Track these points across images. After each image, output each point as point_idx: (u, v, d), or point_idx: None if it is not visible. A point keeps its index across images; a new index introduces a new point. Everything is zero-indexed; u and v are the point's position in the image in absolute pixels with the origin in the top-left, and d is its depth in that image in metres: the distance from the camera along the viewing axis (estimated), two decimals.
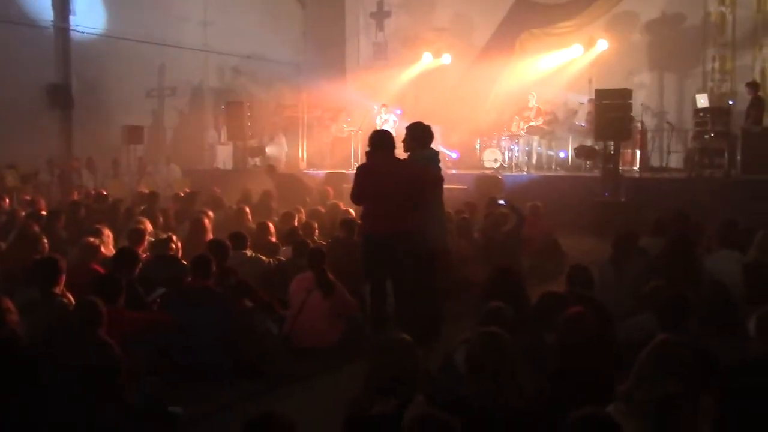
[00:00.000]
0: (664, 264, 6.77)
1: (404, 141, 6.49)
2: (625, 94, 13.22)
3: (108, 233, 7.72)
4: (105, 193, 12.14)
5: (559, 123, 16.44)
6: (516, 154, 16.03)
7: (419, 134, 6.40)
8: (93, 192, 13.09)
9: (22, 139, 15.06)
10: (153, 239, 7.32)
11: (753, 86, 13.69)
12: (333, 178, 15.39)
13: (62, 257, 5.82)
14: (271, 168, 15.70)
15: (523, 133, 15.97)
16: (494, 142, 16.60)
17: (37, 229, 8.17)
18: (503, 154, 16.23)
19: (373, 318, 6.20)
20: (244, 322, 5.72)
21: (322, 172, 16.52)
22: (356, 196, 6.29)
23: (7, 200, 11.54)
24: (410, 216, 6.16)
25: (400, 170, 6.20)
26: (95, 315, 4.53)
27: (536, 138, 16.03)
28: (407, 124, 6.69)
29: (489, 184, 14.42)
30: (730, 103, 14.32)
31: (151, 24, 17.58)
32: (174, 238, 6.84)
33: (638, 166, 14.67)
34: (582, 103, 16.40)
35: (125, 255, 6.13)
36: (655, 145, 15.67)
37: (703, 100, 13.98)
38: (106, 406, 4.45)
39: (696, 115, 13.84)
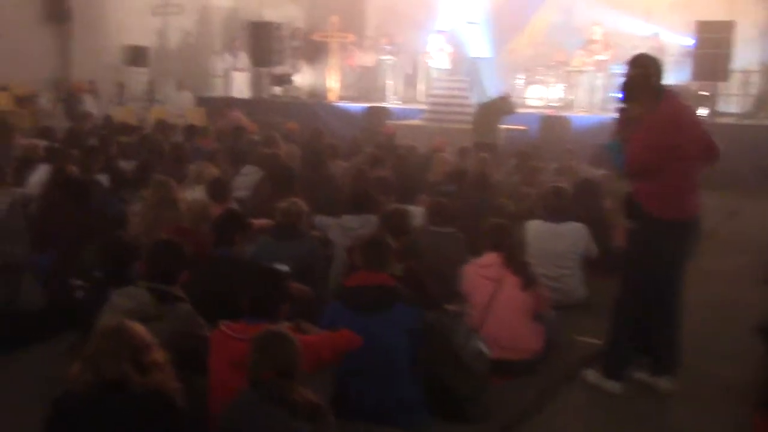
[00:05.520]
0: None
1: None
2: (727, 28, 11.56)
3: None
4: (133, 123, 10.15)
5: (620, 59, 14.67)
6: (561, 94, 14.56)
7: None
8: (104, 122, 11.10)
9: (13, 57, 12.87)
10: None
11: None
12: (376, 114, 13.60)
13: None
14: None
15: (591, 68, 14.17)
16: (538, 78, 15.07)
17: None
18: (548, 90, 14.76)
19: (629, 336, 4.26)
20: (444, 337, 3.91)
21: (358, 106, 14.60)
22: (645, 164, 3.99)
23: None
24: None
25: (700, 128, 4.17)
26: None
27: (600, 75, 14.27)
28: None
29: (556, 126, 12.79)
30: None
31: None
32: (299, 202, 4.94)
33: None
34: (648, 37, 14.67)
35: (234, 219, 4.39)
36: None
37: None
38: None
39: None
